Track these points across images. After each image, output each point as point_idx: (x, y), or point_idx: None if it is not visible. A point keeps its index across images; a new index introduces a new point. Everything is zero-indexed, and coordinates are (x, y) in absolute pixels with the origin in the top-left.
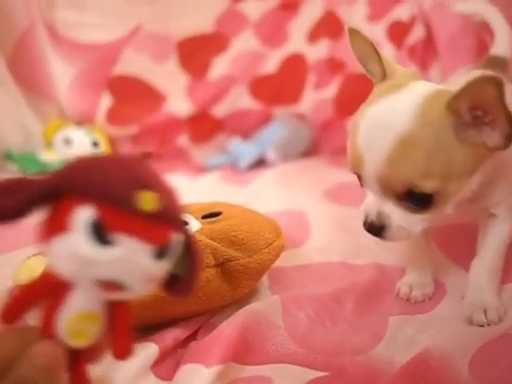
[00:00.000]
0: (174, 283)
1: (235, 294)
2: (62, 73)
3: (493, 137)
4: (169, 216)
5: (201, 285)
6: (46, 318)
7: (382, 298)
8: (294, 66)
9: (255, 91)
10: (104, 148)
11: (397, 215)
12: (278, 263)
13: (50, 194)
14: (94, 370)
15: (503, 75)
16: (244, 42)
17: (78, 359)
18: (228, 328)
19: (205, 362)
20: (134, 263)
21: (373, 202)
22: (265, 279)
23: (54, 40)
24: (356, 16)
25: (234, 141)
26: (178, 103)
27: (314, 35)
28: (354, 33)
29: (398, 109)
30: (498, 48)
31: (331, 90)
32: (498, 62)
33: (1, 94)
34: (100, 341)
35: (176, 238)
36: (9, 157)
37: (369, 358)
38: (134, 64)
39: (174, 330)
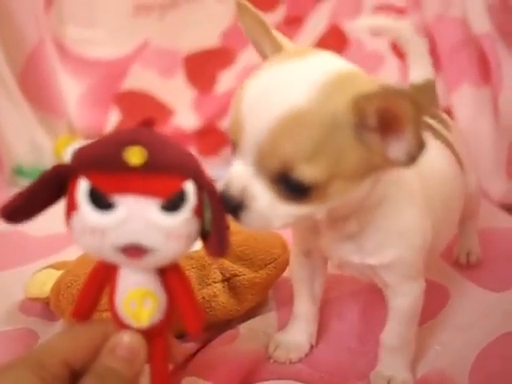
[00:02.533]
0: (207, 239)
1: (241, 308)
2: (70, 88)
3: (395, 148)
4: (168, 166)
5: (207, 299)
6: (109, 304)
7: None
8: None
9: None
10: None
11: (263, 199)
12: (284, 274)
13: (57, 181)
14: None
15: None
16: (250, 57)
17: (155, 350)
18: (237, 353)
19: (211, 379)
20: (142, 220)
21: (240, 175)
22: (270, 291)
23: (62, 56)
24: (360, 29)
25: None
26: (186, 117)
27: (318, 48)
28: (243, 8)
29: (298, 77)
30: (419, 72)
31: None
32: (426, 90)
33: (11, 110)
34: (167, 324)
35: (187, 187)
36: (19, 172)
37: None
38: (141, 79)
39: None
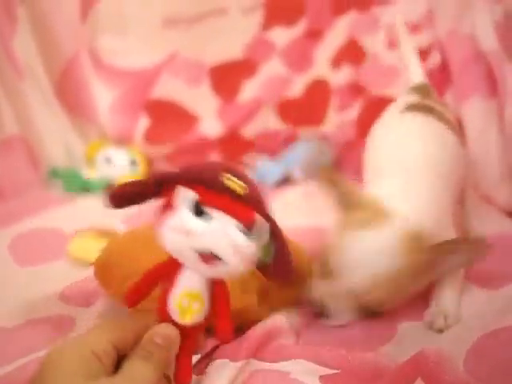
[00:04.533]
0: (267, 270)
1: (269, 313)
2: (103, 96)
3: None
4: (253, 200)
5: (245, 305)
6: (162, 297)
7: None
8: (319, 89)
9: (282, 113)
10: (141, 166)
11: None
12: None
13: (160, 184)
14: None
15: (431, 101)
16: (272, 68)
17: (185, 346)
18: (253, 332)
19: (231, 357)
20: (226, 235)
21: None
22: None
23: (96, 66)
24: (377, 44)
25: (261, 160)
26: (210, 124)
27: (337, 61)
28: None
29: (382, 249)
30: (415, 76)
31: (353, 113)
32: (422, 90)
33: (48, 116)
34: (202, 326)
35: (261, 221)
36: (54, 174)
37: (376, 356)
38: (170, 88)
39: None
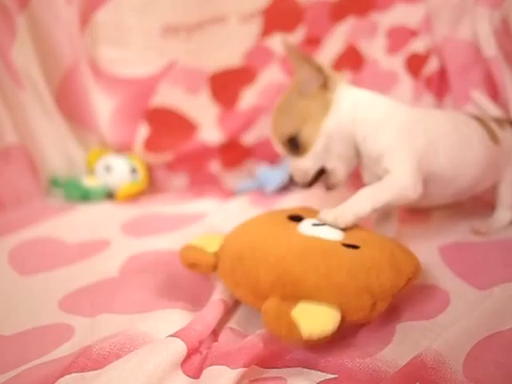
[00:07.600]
0: None
1: None
2: (103, 105)
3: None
4: None
5: None
6: None
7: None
8: None
9: None
10: (142, 174)
11: (291, 162)
12: None
13: None
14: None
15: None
16: (271, 75)
17: None
18: (251, 337)
19: (229, 364)
20: None
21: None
22: None
23: (96, 75)
24: (375, 49)
25: (261, 167)
26: (210, 132)
27: (336, 67)
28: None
29: None
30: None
31: None
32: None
33: (48, 125)
34: None
35: None
36: (54, 183)
37: (375, 361)
38: (169, 96)
39: (196, 328)
